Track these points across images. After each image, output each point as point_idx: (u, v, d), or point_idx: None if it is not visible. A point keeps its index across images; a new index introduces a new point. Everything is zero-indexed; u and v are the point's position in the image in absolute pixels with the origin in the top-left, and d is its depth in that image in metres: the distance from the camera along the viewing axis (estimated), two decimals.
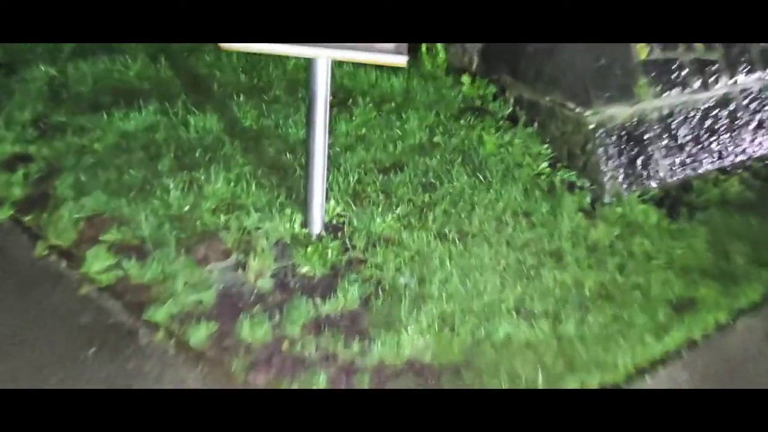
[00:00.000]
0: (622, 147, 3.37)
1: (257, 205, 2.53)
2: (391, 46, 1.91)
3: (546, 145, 3.44)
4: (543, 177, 3.25)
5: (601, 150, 3.30)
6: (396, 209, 2.68)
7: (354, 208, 2.63)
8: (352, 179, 2.79)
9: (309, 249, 2.39)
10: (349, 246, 2.47)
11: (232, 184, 2.60)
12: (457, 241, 2.62)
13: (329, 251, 2.41)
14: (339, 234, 2.53)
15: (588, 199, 3.18)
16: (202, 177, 2.61)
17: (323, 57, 1.97)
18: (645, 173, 3.37)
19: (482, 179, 3.06)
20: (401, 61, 1.92)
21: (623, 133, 3.38)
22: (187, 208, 2.44)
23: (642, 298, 2.64)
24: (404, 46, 1.96)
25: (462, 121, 3.49)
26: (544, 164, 3.33)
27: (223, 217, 2.43)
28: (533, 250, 2.74)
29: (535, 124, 3.56)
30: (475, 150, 3.29)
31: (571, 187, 3.25)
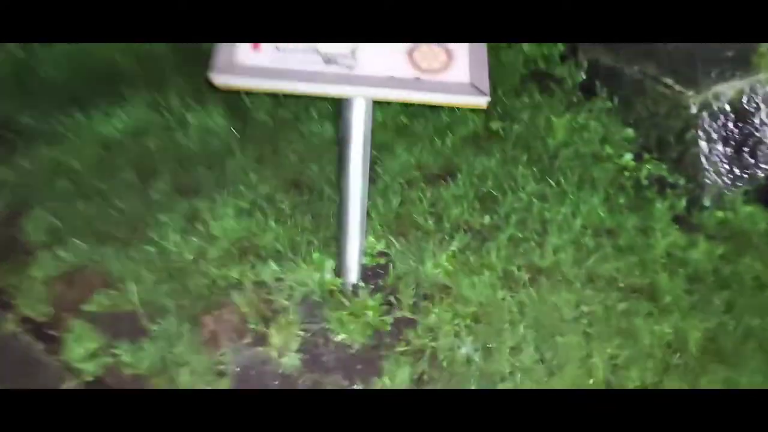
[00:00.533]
0: (729, 132, 2.67)
1: (277, 248, 1.99)
2: (464, 80, 1.28)
3: (629, 129, 2.77)
4: (626, 174, 2.62)
5: (703, 139, 2.62)
6: (451, 242, 2.13)
7: (398, 244, 2.08)
8: (394, 199, 2.21)
9: (345, 310, 1.89)
10: (394, 301, 1.96)
11: (244, 216, 2.06)
12: (529, 285, 2.08)
13: (370, 311, 1.90)
14: (380, 282, 2.01)
15: (683, 203, 2.57)
16: (207, 209, 2.07)
17: (363, 98, 1.35)
18: (753, 162, 2.70)
19: (554, 184, 2.44)
20: (481, 102, 1.29)
21: (731, 113, 2.67)
22: (190, 257, 1.93)
23: (759, 349, 2.11)
24: (484, 78, 1.31)
25: (525, 98, 2.81)
26: (628, 156, 2.68)
27: (235, 270, 1.91)
28: (622, 286, 2.18)
29: (616, 99, 2.86)
30: (543, 141, 2.64)
31: (661, 186, 2.61)
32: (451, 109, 2.71)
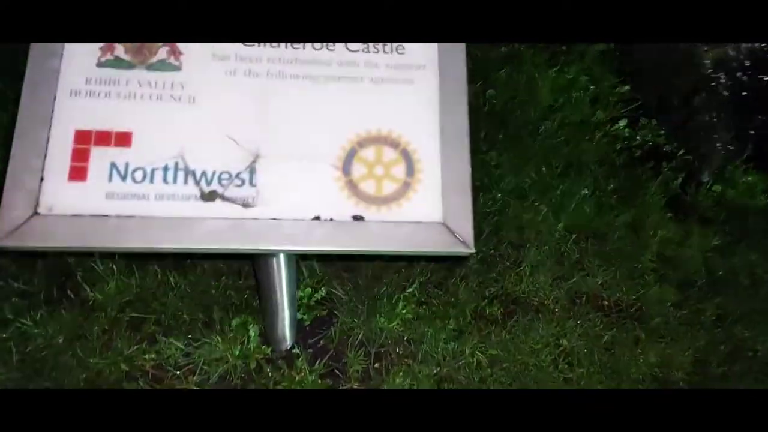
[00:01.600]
0: (740, 89, 2.21)
1: (181, 315, 1.52)
2: (433, 216, 0.78)
3: (626, 86, 2.25)
4: (619, 146, 2.17)
5: (714, 103, 2.15)
6: (409, 276, 1.71)
7: (341, 289, 1.64)
8: None
9: (278, 388, 1.51)
10: (338, 371, 1.58)
11: (133, 269, 1.54)
12: (502, 323, 1.73)
13: (309, 387, 1.53)
14: (321, 344, 1.61)
15: (679, 180, 2.18)
16: (78, 263, 1.51)
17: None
18: (762, 119, 2.29)
19: (534, 174, 1.99)
20: (460, 251, 0.81)
21: (746, 66, 2.18)
22: (60, 339, 1.44)
23: (745, 373, 1.90)
24: (466, 211, 0.81)
25: (503, 47, 2.21)
26: (622, 123, 2.21)
27: (126, 352, 1.45)
28: (607, 309, 1.88)
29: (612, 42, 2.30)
30: (523, 109, 2.11)
31: (656, 159, 2.20)
32: None
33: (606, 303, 1.91)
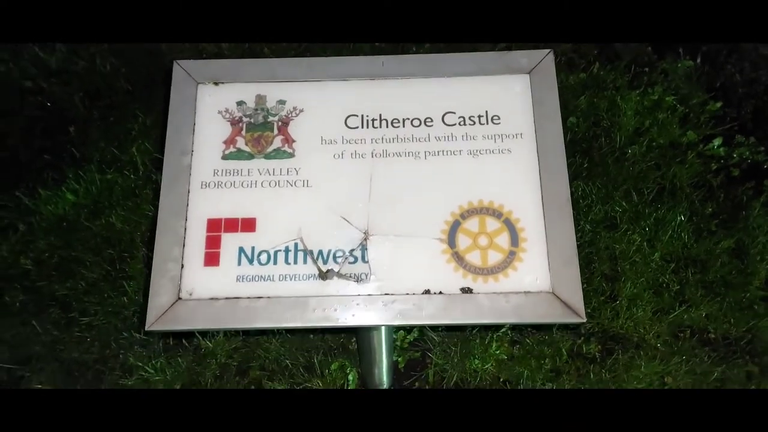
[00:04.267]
0: None
1: (284, 355, 1.60)
2: (542, 285, 0.80)
3: (716, 101, 2.15)
4: (715, 167, 2.07)
5: None
6: None
7: (433, 330, 1.67)
8: None
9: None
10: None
11: None
12: (600, 362, 1.69)
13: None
14: (416, 387, 1.64)
15: None
16: None
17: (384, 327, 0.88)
18: None
19: (624, 204, 1.93)
20: (571, 321, 0.82)
21: None
22: (178, 386, 1.55)
23: None
24: (574, 278, 0.83)
25: (580, 72, 2.18)
26: (717, 141, 2.11)
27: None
28: (714, 344, 1.78)
29: (698, 57, 2.20)
30: (608, 134, 2.07)
31: (757, 178, 2.07)
32: None
33: (713, 336, 1.82)
